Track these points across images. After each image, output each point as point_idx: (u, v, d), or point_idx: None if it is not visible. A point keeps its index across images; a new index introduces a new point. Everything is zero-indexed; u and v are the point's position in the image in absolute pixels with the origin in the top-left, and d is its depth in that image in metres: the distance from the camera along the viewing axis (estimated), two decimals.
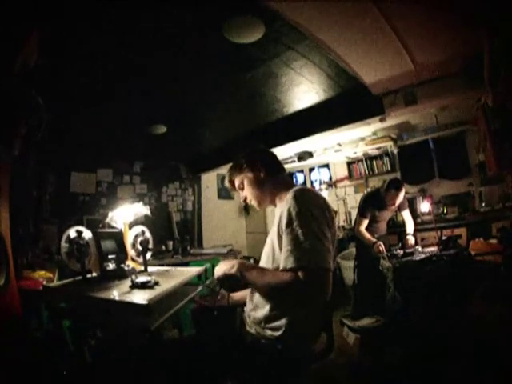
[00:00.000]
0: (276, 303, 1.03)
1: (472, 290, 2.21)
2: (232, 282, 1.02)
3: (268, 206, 1.25)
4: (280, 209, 1.07)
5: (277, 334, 1.02)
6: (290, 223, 0.95)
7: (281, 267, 0.95)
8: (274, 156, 1.30)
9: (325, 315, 1.14)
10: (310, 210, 0.96)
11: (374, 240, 2.79)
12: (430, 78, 2.86)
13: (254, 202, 1.25)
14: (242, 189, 1.26)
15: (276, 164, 1.27)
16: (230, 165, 1.31)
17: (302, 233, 0.92)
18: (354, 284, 3.10)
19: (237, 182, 1.28)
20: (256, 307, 1.10)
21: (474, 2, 1.85)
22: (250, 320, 1.14)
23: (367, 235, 2.88)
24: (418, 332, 2.02)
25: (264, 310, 1.05)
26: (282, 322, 1.01)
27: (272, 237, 1.08)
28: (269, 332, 1.04)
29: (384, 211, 2.98)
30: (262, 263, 1.14)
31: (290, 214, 0.96)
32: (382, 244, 2.72)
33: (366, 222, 2.93)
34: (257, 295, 1.09)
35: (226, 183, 1.33)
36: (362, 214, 2.95)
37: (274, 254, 1.04)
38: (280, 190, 1.18)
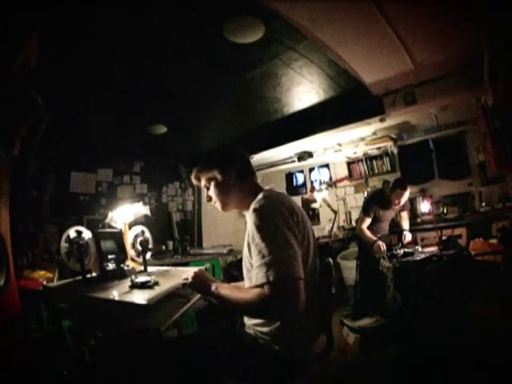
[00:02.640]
0: None
1: (472, 289, 2.21)
2: None
3: (232, 210, 1.20)
4: (247, 220, 1.05)
5: (273, 335, 1.02)
6: (254, 239, 0.93)
7: (252, 285, 0.93)
8: (247, 159, 1.24)
9: (323, 316, 1.14)
10: (271, 221, 0.93)
11: (375, 239, 2.79)
12: (430, 77, 2.87)
13: (217, 205, 1.20)
14: (208, 188, 1.20)
15: (248, 168, 1.21)
16: (200, 158, 1.23)
17: (265, 247, 0.89)
18: (356, 283, 3.10)
19: (203, 181, 1.21)
20: None
21: (474, 2, 1.85)
22: (247, 321, 1.14)
23: (368, 234, 2.88)
24: (418, 332, 2.02)
25: None
26: (278, 323, 1.01)
27: (245, 250, 1.06)
28: (266, 333, 1.04)
29: (388, 210, 2.99)
30: (244, 276, 1.13)
31: (252, 229, 0.94)
32: (382, 243, 2.72)
33: (368, 221, 2.93)
34: None
35: (192, 178, 1.25)
36: (365, 212, 2.95)
37: (252, 266, 1.00)
38: (246, 197, 1.13)
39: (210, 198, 1.21)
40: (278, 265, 0.86)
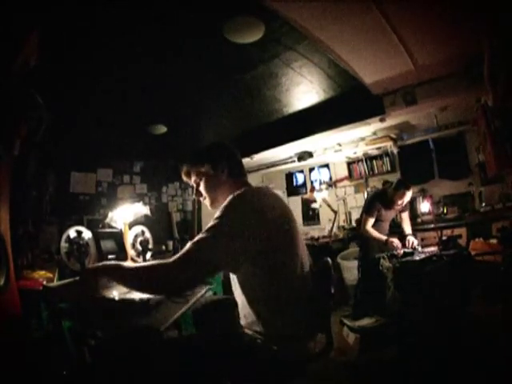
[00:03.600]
0: (264, 304, 1.03)
1: (472, 289, 2.21)
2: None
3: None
4: None
5: (272, 335, 1.02)
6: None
7: None
8: (239, 160, 1.24)
9: (322, 315, 1.14)
10: (229, 211, 0.96)
11: (386, 237, 2.78)
12: (430, 77, 2.87)
13: (207, 201, 1.20)
14: (198, 184, 1.19)
15: (240, 167, 1.21)
16: (190, 154, 1.22)
17: (207, 227, 0.94)
18: (358, 283, 3.09)
19: (193, 177, 1.20)
20: (244, 308, 1.10)
21: (474, 2, 1.85)
22: (245, 321, 1.14)
23: (376, 233, 2.87)
24: (418, 332, 2.01)
25: (252, 311, 1.06)
26: (272, 323, 1.02)
27: None
28: (264, 333, 1.04)
29: (389, 211, 2.98)
30: None
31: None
32: (396, 239, 2.72)
33: (372, 221, 2.91)
34: (243, 298, 1.09)
35: (182, 175, 1.24)
36: (368, 212, 2.94)
37: None
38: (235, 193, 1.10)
39: (199, 194, 1.21)
40: (198, 244, 0.91)
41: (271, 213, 1.00)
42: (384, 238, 2.80)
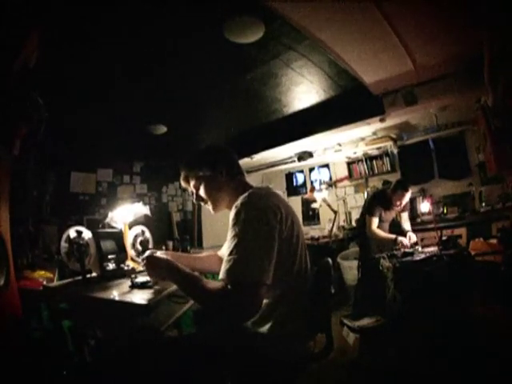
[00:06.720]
0: (265, 304, 1.02)
1: (472, 289, 2.21)
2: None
3: (223, 209, 1.18)
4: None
5: (272, 335, 1.02)
6: (229, 234, 0.93)
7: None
8: (235, 159, 1.22)
9: (322, 315, 1.14)
10: (247, 218, 0.92)
11: (394, 236, 2.78)
12: (430, 78, 2.87)
13: (209, 205, 1.18)
14: (198, 188, 1.17)
15: (237, 166, 1.19)
16: (186, 160, 1.21)
17: (235, 244, 0.89)
18: (358, 283, 3.09)
19: (192, 182, 1.18)
20: None
21: (474, 3, 1.85)
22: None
23: (383, 233, 2.86)
24: (418, 332, 2.01)
25: None
26: (270, 323, 1.02)
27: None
28: (265, 333, 1.04)
29: (389, 211, 2.98)
30: None
31: (230, 224, 0.94)
32: (405, 239, 2.72)
33: (376, 221, 2.90)
34: None
35: (181, 181, 1.23)
36: (371, 213, 2.92)
37: None
38: (236, 195, 1.06)
39: (200, 199, 1.19)
40: (241, 264, 0.86)
41: (281, 214, 0.98)
42: (393, 236, 2.78)
